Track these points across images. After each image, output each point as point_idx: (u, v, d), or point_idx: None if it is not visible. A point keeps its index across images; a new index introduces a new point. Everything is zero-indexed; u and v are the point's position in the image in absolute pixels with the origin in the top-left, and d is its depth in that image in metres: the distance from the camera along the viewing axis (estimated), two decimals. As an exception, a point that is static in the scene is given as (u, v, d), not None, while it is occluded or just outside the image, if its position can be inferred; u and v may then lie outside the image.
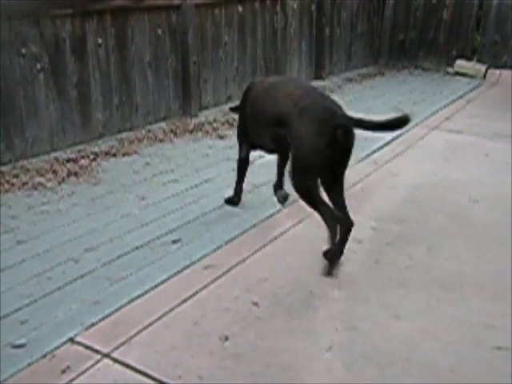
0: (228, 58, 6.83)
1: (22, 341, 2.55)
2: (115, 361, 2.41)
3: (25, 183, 4.34)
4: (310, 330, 2.66)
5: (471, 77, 9.13)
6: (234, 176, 4.57)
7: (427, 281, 3.10)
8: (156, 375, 2.32)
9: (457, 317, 2.79)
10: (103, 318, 2.73)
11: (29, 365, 2.41)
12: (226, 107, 6.65)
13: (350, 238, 3.29)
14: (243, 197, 4.19)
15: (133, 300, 2.89)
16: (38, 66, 4.75)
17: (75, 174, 4.58)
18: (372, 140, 5.70)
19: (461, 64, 9.35)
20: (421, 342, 2.59)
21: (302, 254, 3.38)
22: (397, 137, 5.84)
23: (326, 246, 3.16)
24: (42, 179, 4.43)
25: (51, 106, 4.90)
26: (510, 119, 6.58)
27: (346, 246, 3.15)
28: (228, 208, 4.06)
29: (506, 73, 8.99)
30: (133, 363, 2.39)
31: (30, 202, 4.04)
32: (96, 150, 5.14)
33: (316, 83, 8.32)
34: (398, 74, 9.52)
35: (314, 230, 3.48)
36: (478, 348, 2.56)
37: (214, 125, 6.03)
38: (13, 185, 4.30)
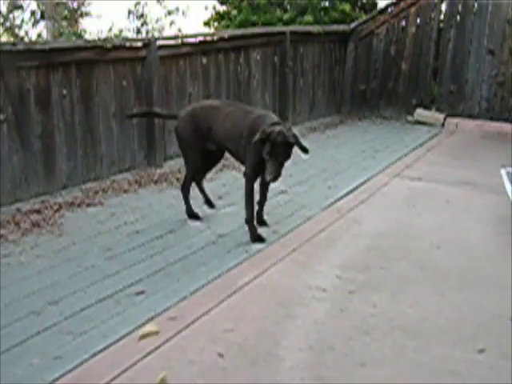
0: (192, 108, 6.91)
1: (-21, 399, 2.48)
2: None
3: (-14, 235, 4.28)
4: (276, 380, 2.65)
5: (430, 125, 9.37)
6: (198, 227, 4.62)
7: (391, 328, 3.13)
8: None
9: (421, 364, 2.81)
10: (65, 374, 2.68)
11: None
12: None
13: (314, 286, 3.32)
14: (207, 247, 4.21)
15: (95, 354, 2.85)
16: (1, 116, 4.74)
17: (38, 225, 4.53)
18: (335, 188, 5.80)
19: (420, 113, 9.61)
20: (386, 390, 2.60)
21: (267, 303, 3.38)
22: (360, 185, 5.95)
23: (291, 295, 3.16)
24: (3, 231, 4.37)
25: (14, 156, 4.87)
26: (468, 166, 6.77)
27: (310, 295, 3.16)
28: (192, 258, 4.05)
29: (463, 122, 9.26)
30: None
31: (-8, 255, 3.98)
32: (60, 200, 5.10)
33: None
34: (360, 123, 9.73)
35: (278, 279, 3.50)
36: (443, 395, 2.58)
37: (179, 175, 6.03)
38: (-26, 237, 4.23)
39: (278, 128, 4.03)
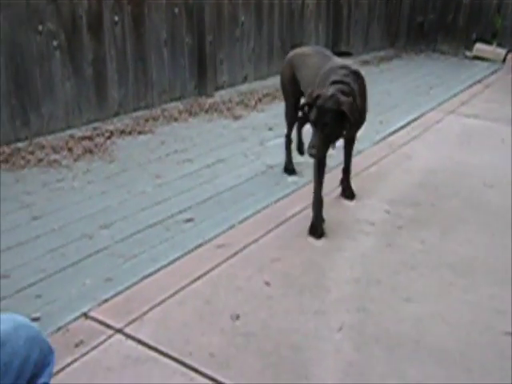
0: (244, 38, 6.80)
1: (36, 314, 2.59)
2: (128, 336, 2.44)
3: (40, 160, 4.37)
4: (321, 310, 2.67)
5: (490, 61, 9.03)
6: (247, 156, 4.61)
7: (439, 265, 3.10)
8: (168, 351, 2.35)
9: (468, 301, 2.79)
10: (116, 295, 2.76)
11: (43, 338, 2.45)
12: (242, 88, 6.68)
13: (362, 220, 3.30)
14: (256, 177, 4.21)
15: (145, 277, 2.92)
16: (55, 43, 4.76)
17: (90, 151, 4.60)
18: (387, 123, 5.69)
19: (480, 48, 9.25)
20: (431, 325, 2.60)
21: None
22: (412, 120, 5.82)
23: (339, 228, 3.16)
24: (57, 156, 4.46)
25: (67, 83, 4.91)
26: (528, 105, 6.52)
27: (358, 228, 3.14)
28: (241, 188, 4.07)
29: (525, 58, 8.88)
30: (145, 339, 2.42)
31: (46, 179, 4.07)
32: (111, 128, 5.15)
33: (332, 65, 8.28)
34: (416, 58, 9.44)
35: (326, 210, 3.48)
36: (488, 332, 2.57)
37: (229, 105, 6.02)
38: (28, 161, 4.33)
39: (331, 90, 3.20)
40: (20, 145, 4.57)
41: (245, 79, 6.83)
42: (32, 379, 1.21)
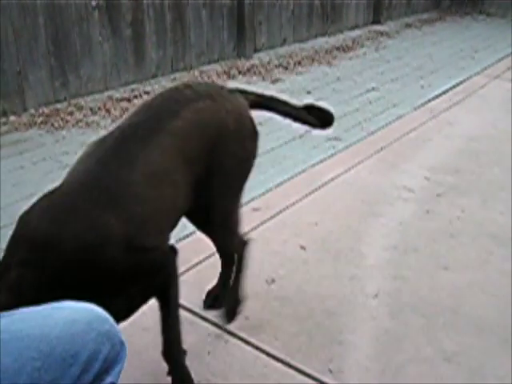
0: (284, -1, 6.68)
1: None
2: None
3: (79, 121, 4.39)
4: (357, 276, 2.65)
5: (539, 24, 8.72)
6: (285, 119, 4.56)
7: (478, 233, 3.04)
8: (203, 313, 2.36)
9: (507, 271, 2.73)
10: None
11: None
12: (281, 50, 6.59)
13: (401, 186, 3.24)
14: (294, 141, 4.17)
15: (181, 239, 2.93)
16: (93, 3, 4.74)
17: (128, 113, 4.60)
18: (429, 88, 5.56)
19: (529, 10, 8.93)
20: (469, 294, 2.55)
21: (352, 200, 3.34)
22: (455, 85, 5.67)
23: (377, 194, 3.11)
24: (95, 117, 4.48)
25: (105, 44, 4.91)
26: None
27: (396, 194, 3.09)
28: (279, 151, 4.04)
29: None
30: (180, 301, 2.43)
31: (84, 140, 4.10)
32: (149, 89, 5.14)
33: (374, 28, 8.11)
34: (461, 20, 9.16)
35: (364, 176, 3.44)
36: (528, 303, 2.51)
37: (268, 67, 5.95)
38: (67, 122, 4.36)
39: None
40: (59, 106, 4.60)
41: (284, 42, 6.74)
42: (100, 375, 1.19)
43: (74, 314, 1.20)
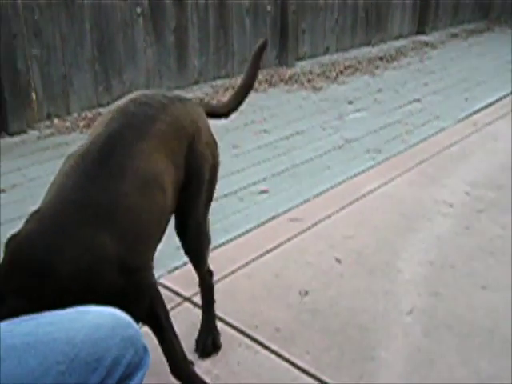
0: (328, 7, 6.65)
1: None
2: (195, 305, 2.46)
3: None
4: (392, 291, 2.61)
5: None
6: (325, 129, 4.54)
7: (520, 252, 2.97)
8: (234, 323, 2.36)
9: (549, 292, 2.66)
10: (186, 263, 2.78)
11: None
12: (323, 59, 6.57)
13: (440, 201, 3.18)
14: (334, 151, 4.15)
15: (216, 247, 2.93)
16: (138, 9, 4.81)
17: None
18: (473, 100, 5.46)
19: None
20: (506, 315, 2.49)
21: (390, 214, 3.30)
22: (501, 98, 5.56)
23: (415, 208, 3.06)
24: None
25: (149, 50, 4.97)
26: None
27: (435, 209, 3.04)
28: (318, 161, 4.02)
29: None
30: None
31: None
32: (191, 95, 5.18)
33: (418, 38, 8.02)
34: (510, 31, 8.99)
35: (403, 189, 3.40)
36: None
37: (310, 76, 5.94)
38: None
39: None
40: (101, 110, 4.67)
41: (326, 50, 6.72)
42: (122, 380, 1.19)
43: (98, 319, 1.21)
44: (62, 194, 1.55)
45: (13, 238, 1.47)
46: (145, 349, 1.27)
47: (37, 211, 1.53)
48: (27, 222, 1.51)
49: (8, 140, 4.14)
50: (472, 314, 2.49)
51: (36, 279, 1.39)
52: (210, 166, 2.01)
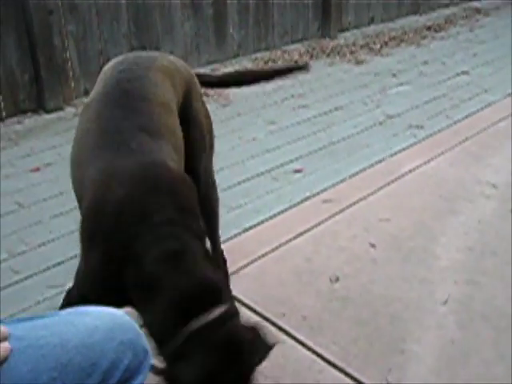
0: (374, -25, 6.41)
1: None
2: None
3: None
4: (427, 279, 2.50)
5: None
6: (366, 104, 4.39)
7: None
8: (260, 310, 2.29)
9: None
10: (215, 245, 2.73)
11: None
12: (368, 30, 6.36)
13: (484, 181, 3.04)
14: (374, 128, 4.01)
15: (247, 229, 2.87)
16: (176, -19, 4.72)
17: (206, 94, 4.56)
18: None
19: None
20: (550, 306, 2.36)
21: (430, 195, 3.16)
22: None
23: (457, 188, 2.91)
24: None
25: (186, 23, 4.87)
26: None
27: (478, 190, 2.89)
28: (357, 138, 3.89)
29: None
30: (239, 295, 2.37)
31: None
32: (230, 69, 5.08)
33: (470, 4, 7.68)
34: None
35: (445, 169, 3.25)
36: None
37: (353, 48, 5.74)
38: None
39: None
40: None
41: (371, 20, 6.48)
42: None
43: (96, 321, 1.16)
44: (107, 128, 1.59)
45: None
46: (145, 352, 1.21)
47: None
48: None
49: (45, 117, 4.14)
50: (511, 305, 2.36)
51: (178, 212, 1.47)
52: (206, 114, 2.09)
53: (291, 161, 3.58)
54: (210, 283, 1.38)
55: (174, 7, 4.74)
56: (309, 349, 2.12)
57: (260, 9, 5.39)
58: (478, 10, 7.44)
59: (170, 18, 4.74)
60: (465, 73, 5.14)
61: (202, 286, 1.35)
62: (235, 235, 2.80)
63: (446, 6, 7.49)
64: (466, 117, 4.20)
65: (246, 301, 2.34)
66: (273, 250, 2.67)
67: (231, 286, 2.23)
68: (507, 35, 6.29)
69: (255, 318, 2.25)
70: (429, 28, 6.53)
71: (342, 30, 6.15)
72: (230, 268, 2.50)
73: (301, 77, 4.98)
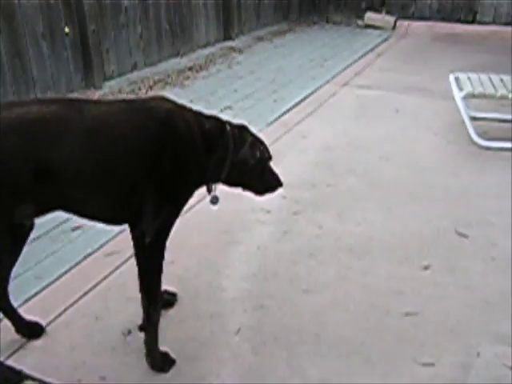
0: (130, 23, 6.50)
1: None
2: (9, 369, 2.23)
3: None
4: (218, 313, 2.56)
5: (381, 29, 9.13)
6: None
7: (336, 249, 3.05)
8: (54, 381, 2.17)
9: (366, 285, 2.75)
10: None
11: None
12: (132, 76, 6.41)
13: (258, 209, 3.20)
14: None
15: (29, 299, 2.70)
16: None
17: None
18: (282, 101, 5.61)
19: (370, 16, 9.34)
20: (330, 315, 2.54)
21: (210, 231, 3.25)
22: (307, 96, 5.77)
23: (233, 219, 3.03)
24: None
25: None
26: (419, 71, 6.62)
27: (253, 218, 3.04)
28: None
29: (414, 24, 9.05)
30: (28, 371, 2.22)
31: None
32: None
33: (226, 44, 8.12)
34: (309, 30, 9.41)
35: (220, 203, 3.35)
36: (387, 316, 2.54)
37: (119, 96, 5.75)
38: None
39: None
40: None
41: (134, 66, 6.56)
42: None
43: None
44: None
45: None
46: None
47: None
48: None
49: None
50: (298, 320, 2.51)
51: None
52: None
53: (68, 219, 3.46)
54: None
55: None
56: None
57: (16, 65, 5.17)
58: (233, 49, 7.89)
59: None
60: (228, 108, 5.40)
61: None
62: (18, 307, 2.62)
63: (205, 46, 7.85)
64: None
65: (37, 375, 2.20)
66: (59, 315, 2.55)
67: (17, 363, 2.09)
68: (261, 70, 6.75)
69: (48, 392, 2.13)
70: (190, 68, 6.77)
71: (108, 79, 6.14)
72: (15, 344, 2.34)
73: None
